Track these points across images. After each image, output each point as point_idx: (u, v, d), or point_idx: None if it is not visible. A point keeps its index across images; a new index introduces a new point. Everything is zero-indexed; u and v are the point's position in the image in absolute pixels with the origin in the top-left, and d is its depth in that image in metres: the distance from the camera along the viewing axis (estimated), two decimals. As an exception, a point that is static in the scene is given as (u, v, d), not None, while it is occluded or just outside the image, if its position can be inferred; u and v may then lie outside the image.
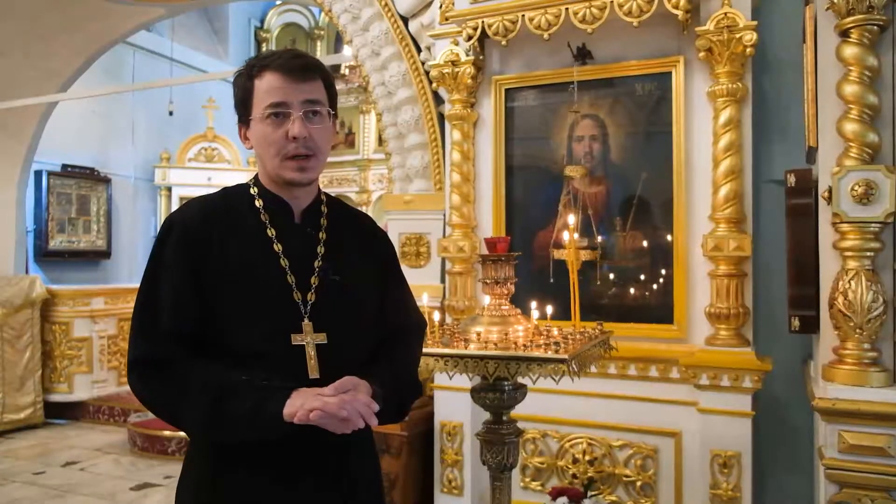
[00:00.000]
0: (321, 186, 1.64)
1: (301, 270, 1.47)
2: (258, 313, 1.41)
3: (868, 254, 2.25)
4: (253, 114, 1.46)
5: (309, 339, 1.41)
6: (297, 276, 1.46)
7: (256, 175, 1.56)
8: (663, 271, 3.23)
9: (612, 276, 3.34)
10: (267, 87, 1.43)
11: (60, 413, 6.57)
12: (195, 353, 1.40)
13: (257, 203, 1.51)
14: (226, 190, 1.58)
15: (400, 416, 1.55)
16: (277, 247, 1.47)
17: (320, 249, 1.51)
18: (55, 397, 6.54)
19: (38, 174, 7.37)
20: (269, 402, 1.32)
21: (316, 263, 1.49)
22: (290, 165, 1.45)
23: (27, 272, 6.99)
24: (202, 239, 1.43)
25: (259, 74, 1.45)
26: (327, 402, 1.29)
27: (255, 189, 1.53)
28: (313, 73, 1.47)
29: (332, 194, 1.69)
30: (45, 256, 7.54)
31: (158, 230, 1.50)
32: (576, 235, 2.78)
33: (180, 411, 1.38)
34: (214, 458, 1.44)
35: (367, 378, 1.41)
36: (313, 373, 1.40)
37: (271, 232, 1.48)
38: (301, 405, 1.29)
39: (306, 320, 1.43)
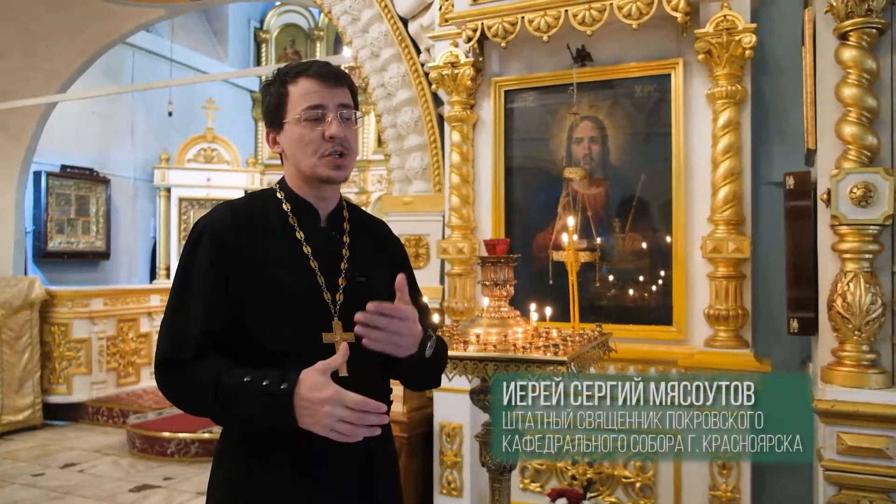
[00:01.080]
0: None
1: (329, 272, 1.53)
2: (291, 313, 1.47)
3: (867, 256, 2.26)
4: (287, 117, 1.53)
5: (339, 338, 1.46)
6: (325, 277, 1.52)
7: (281, 179, 1.62)
8: (662, 273, 3.24)
9: (611, 277, 3.34)
10: (303, 91, 1.51)
11: (59, 414, 6.58)
12: (223, 352, 1.45)
13: (285, 207, 1.57)
14: (252, 195, 1.65)
15: (436, 382, 1.69)
16: (307, 249, 1.53)
17: (345, 252, 1.57)
18: (54, 399, 6.55)
19: (37, 175, 7.36)
20: (273, 411, 1.35)
21: (342, 265, 1.55)
22: (328, 163, 1.51)
23: (26, 273, 6.98)
24: (232, 242, 1.48)
25: (294, 81, 1.53)
26: (334, 430, 1.33)
27: (282, 193, 1.59)
28: (343, 81, 1.56)
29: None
30: (44, 257, 7.53)
31: (188, 235, 1.55)
32: (575, 237, 2.78)
33: (200, 411, 1.45)
34: (241, 456, 1.48)
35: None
36: (342, 371, 1.43)
37: (300, 234, 1.54)
38: (311, 425, 1.34)
39: (336, 320, 1.48)
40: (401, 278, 1.44)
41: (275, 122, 1.56)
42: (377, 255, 1.64)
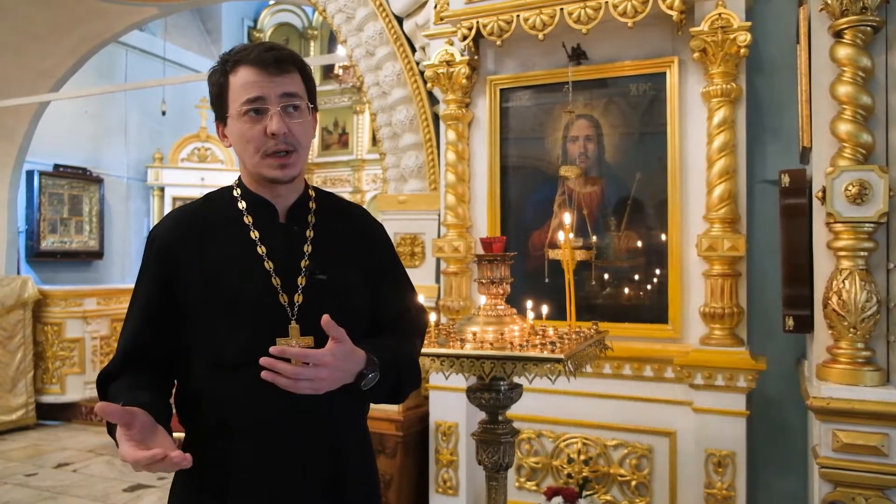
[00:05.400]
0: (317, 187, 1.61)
1: (287, 271, 1.41)
2: (242, 318, 1.36)
3: (862, 253, 2.27)
4: (229, 111, 1.41)
5: (294, 342, 1.35)
6: (282, 277, 1.40)
7: (240, 176, 1.51)
8: (658, 271, 3.24)
9: (606, 276, 3.34)
10: (242, 82, 1.38)
11: (52, 414, 6.54)
12: (158, 367, 1.41)
13: (240, 205, 1.46)
14: (207, 196, 1.54)
15: (394, 398, 1.49)
16: (262, 249, 1.42)
17: (307, 248, 1.45)
18: (47, 398, 6.51)
19: (29, 174, 7.35)
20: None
21: (303, 263, 1.43)
22: (271, 163, 1.39)
23: (19, 273, 6.96)
24: (178, 251, 1.40)
25: (233, 70, 1.40)
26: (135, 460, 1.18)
27: (238, 190, 1.49)
28: (289, 66, 1.41)
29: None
30: (37, 257, 7.51)
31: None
32: (571, 235, 2.78)
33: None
34: (200, 458, 1.40)
35: (367, 346, 1.38)
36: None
37: (255, 234, 1.43)
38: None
39: (293, 323, 1.37)
40: (326, 318, 1.27)
41: (219, 114, 1.44)
42: (348, 249, 1.51)
